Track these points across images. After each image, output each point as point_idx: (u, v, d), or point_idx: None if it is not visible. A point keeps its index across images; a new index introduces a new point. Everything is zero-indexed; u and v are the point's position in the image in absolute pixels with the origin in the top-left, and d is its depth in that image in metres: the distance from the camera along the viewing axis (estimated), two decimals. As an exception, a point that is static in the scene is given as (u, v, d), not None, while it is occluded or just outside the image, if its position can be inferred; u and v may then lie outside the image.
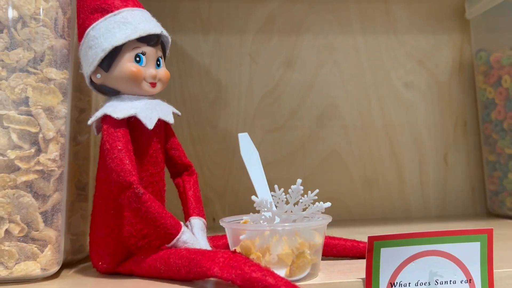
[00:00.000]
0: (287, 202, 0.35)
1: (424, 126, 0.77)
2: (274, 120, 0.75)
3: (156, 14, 0.42)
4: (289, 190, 0.35)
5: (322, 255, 0.43)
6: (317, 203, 0.36)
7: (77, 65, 0.42)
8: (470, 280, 0.36)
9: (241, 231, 0.36)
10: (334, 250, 0.43)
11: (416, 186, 0.76)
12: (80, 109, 0.46)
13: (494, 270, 0.37)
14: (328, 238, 0.43)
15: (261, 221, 0.36)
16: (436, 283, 0.36)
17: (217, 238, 0.44)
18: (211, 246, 0.41)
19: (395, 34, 0.77)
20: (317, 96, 0.75)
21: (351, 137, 0.75)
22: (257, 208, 0.35)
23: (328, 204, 0.36)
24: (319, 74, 0.76)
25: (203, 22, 0.74)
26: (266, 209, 0.35)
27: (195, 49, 0.74)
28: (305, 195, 0.36)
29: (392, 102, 0.77)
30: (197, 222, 0.42)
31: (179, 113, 0.43)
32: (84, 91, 0.46)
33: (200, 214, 0.42)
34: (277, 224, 0.35)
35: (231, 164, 0.73)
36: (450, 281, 0.36)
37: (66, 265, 0.44)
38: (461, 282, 0.36)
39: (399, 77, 0.77)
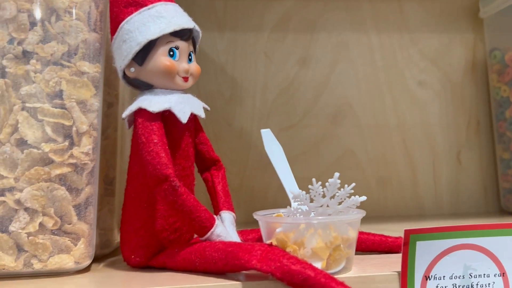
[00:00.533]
0: (323, 196, 0.36)
1: (437, 125, 0.77)
2: (288, 118, 0.75)
3: None
4: (326, 184, 0.35)
5: (359, 250, 0.43)
6: (352, 197, 0.36)
7: (108, 59, 0.42)
8: (503, 273, 0.37)
9: (276, 224, 0.36)
10: (362, 245, 0.43)
11: (429, 184, 0.76)
12: (108, 103, 0.46)
13: (525, 263, 0.37)
14: (364, 234, 0.43)
15: (297, 214, 0.36)
16: (470, 277, 0.36)
17: (246, 232, 0.44)
18: (241, 240, 0.41)
19: (408, 33, 0.78)
20: (331, 95, 0.76)
21: (365, 136, 0.76)
22: (294, 201, 0.36)
23: (364, 198, 0.36)
24: (333, 72, 0.76)
25: (218, 19, 0.74)
26: (302, 202, 0.35)
27: (210, 47, 0.74)
28: (342, 189, 0.36)
29: (405, 101, 0.77)
30: (227, 216, 0.42)
31: (209, 108, 0.44)
32: (112, 85, 0.46)
33: (230, 208, 0.43)
34: (313, 217, 0.36)
35: (246, 161, 0.73)
36: (484, 274, 0.37)
37: (94, 259, 0.44)
38: (494, 275, 0.37)
39: (413, 76, 0.78)
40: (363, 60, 0.77)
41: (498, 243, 0.37)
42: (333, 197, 0.36)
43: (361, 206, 0.74)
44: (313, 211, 0.36)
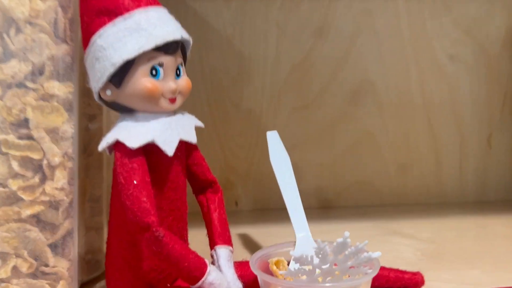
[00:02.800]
0: (330, 255, 0.31)
1: (468, 104, 0.70)
2: (302, 96, 0.68)
3: None
4: (334, 244, 0.30)
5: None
6: (365, 253, 0.31)
7: (82, 72, 0.36)
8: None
9: (275, 286, 0.31)
10: (376, 282, 0.38)
11: (455, 170, 0.70)
12: (89, 116, 0.40)
13: None
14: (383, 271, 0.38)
15: (300, 275, 0.31)
16: None
17: (246, 265, 0.39)
18: (238, 276, 0.37)
19: (442, -1, 0.68)
20: (351, 70, 0.68)
21: (386, 117, 0.69)
22: (295, 262, 0.31)
23: (379, 253, 0.31)
24: (354, 45, 0.68)
25: (225, -14, 0.66)
26: (306, 263, 0.30)
27: (216, 17, 0.66)
28: (352, 247, 0.31)
29: (434, 77, 0.69)
30: (223, 252, 0.37)
31: (203, 125, 0.38)
32: (93, 96, 0.40)
33: (227, 241, 0.38)
34: (318, 285, 0.31)
35: (255, 145, 0.68)
36: None
37: (83, 286, 0.41)
38: None
39: (443, 48, 0.69)
40: (388, 31, 0.68)
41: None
42: (342, 255, 0.31)
43: (379, 192, 0.69)
44: (317, 268, 0.31)
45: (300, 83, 0.68)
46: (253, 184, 0.68)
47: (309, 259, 0.30)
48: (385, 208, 0.68)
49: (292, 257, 0.30)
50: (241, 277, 0.37)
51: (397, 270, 0.39)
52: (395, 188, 0.70)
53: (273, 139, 0.47)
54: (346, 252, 0.30)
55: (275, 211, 0.68)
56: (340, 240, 0.30)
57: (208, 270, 0.34)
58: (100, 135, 0.41)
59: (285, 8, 0.67)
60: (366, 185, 0.69)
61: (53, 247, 0.35)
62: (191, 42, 0.36)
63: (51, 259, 0.34)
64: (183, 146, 0.37)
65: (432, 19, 0.68)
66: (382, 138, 0.69)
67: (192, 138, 0.36)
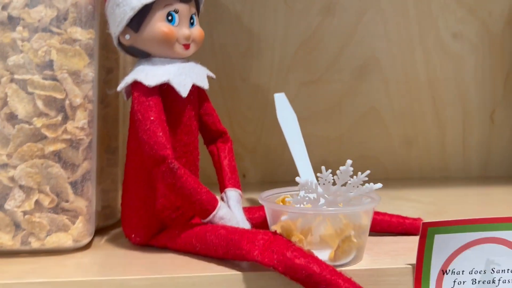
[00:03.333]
0: (334, 183, 0.32)
1: (472, 81, 0.71)
2: (310, 72, 0.70)
3: None
4: (338, 172, 0.32)
5: (374, 231, 0.40)
6: (366, 184, 0.33)
7: (103, 23, 0.39)
8: (530, 269, 0.34)
9: (282, 211, 0.33)
10: (377, 227, 0.40)
11: (458, 145, 0.72)
12: (107, 69, 0.43)
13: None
14: (379, 214, 0.40)
15: (305, 203, 0.33)
16: (493, 272, 0.34)
17: (253, 209, 0.41)
18: (247, 218, 0.39)
19: (446, -23, 0.70)
20: (357, 47, 0.70)
21: (392, 93, 0.71)
22: (300, 190, 0.33)
23: (379, 185, 0.33)
24: (360, 22, 0.70)
25: (235, -36, 0.68)
26: (310, 191, 0.32)
27: (226, -6, 0.68)
28: (354, 176, 0.32)
29: (438, 55, 0.71)
30: (233, 194, 0.39)
31: (214, 76, 0.40)
32: (111, 48, 0.43)
33: (236, 185, 0.40)
34: (322, 208, 0.33)
35: (263, 119, 0.70)
36: (508, 269, 0.34)
37: (97, 231, 0.43)
38: (520, 271, 0.34)
39: (448, 26, 0.71)
40: (394, 8, 0.70)
41: (526, 237, 0.33)
42: (344, 185, 0.33)
43: (383, 165, 0.71)
44: (322, 198, 0.33)
45: (307, 59, 0.70)
46: (261, 157, 0.70)
47: (314, 186, 0.32)
48: (390, 181, 0.69)
49: (298, 184, 0.32)
50: (249, 219, 0.39)
51: (398, 216, 0.41)
52: (400, 162, 0.71)
53: (281, 100, 0.49)
54: (349, 181, 0.32)
55: (282, 184, 0.68)
56: (343, 167, 0.32)
57: (219, 205, 0.36)
58: (116, 87, 0.43)
59: (294, -14, 0.69)
60: (372, 159, 0.71)
61: (73, 185, 0.37)
62: (204, -5, 0.38)
63: (71, 195, 0.37)
64: (196, 93, 0.39)
65: (437, -3, 0.70)
66: (387, 113, 0.71)
67: (204, 84, 0.38)
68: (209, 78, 0.39)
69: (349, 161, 0.32)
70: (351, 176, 0.32)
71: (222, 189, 0.40)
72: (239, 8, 0.69)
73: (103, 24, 0.39)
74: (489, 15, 0.71)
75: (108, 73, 0.43)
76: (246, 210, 0.40)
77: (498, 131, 0.72)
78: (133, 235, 0.38)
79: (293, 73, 0.70)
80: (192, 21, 0.37)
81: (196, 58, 0.39)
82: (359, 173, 0.32)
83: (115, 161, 0.45)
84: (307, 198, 0.33)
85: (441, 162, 0.72)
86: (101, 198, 0.43)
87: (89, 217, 0.38)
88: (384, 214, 0.41)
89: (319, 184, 0.32)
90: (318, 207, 0.33)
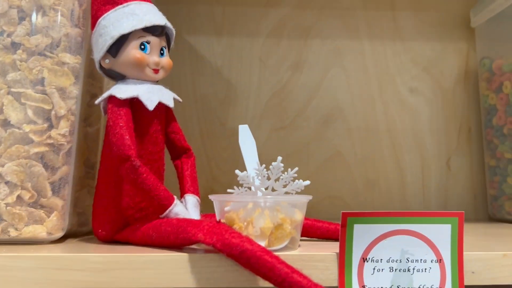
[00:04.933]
0: (268, 178, 0.38)
1: (428, 132, 0.79)
2: (280, 119, 0.78)
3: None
4: (270, 167, 0.38)
5: (307, 236, 0.46)
6: (296, 180, 0.39)
7: (90, 53, 0.47)
8: (440, 260, 0.39)
9: (226, 203, 0.39)
10: (318, 232, 0.45)
11: (418, 189, 0.77)
12: (92, 94, 0.50)
13: (464, 252, 0.39)
14: (313, 220, 0.46)
15: (245, 195, 0.39)
16: (407, 261, 0.38)
17: (210, 215, 0.47)
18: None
19: (401, 40, 0.80)
20: (323, 98, 0.78)
21: (354, 139, 0.78)
22: (240, 182, 0.39)
23: (307, 182, 0.39)
24: (325, 77, 0.79)
25: (216, 25, 0.78)
26: (248, 183, 0.38)
27: (208, 50, 0.78)
28: (286, 172, 0.39)
29: (396, 107, 0.79)
30: (191, 199, 0.45)
31: (180, 100, 0.47)
32: (96, 77, 0.51)
33: (195, 192, 0.46)
34: (259, 196, 0.38)
35: (238, 160, 0.76)
36: (421, 259, 0.38)
37: (72, 235, 0.48)
38: (431, 261, 0.38)
39: (404, 82, 0.79)
40: (355, 66, 0.79)
41: (435, 231, 0.38)
42: (277, 179, 0.39)
43: (348, 206, 0.76)
44: (259, 192, 0.39)
45: (278, 108, 0.78)
46: (235, 195, 0.76)
47: (251, 179, 0.38)
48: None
49: (238, 176, 0.38)
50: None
51: (337, 223, 0.46)
52: (363, 202, 0.77)
53: (244, 129, 0.56)
54: (282, 176, 0.38)
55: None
56: (274, 163, 0.38)
57: (175, 202, 0.42)
58: (98, 110, 0.50)
59: (267, 44, 0.79)
60: (337, 199, 0.77)
61: (52, 185, 0.43)
62: (174, 33, 0.47)
63: (49, 192, 0.42)
64: (163, 111, 0.46)
65: (394, 57, 0.80)
66: (351, 157, 0.78)
67: (170, 103, 0.45)
68: (175, 100, 0.46)
69: (279, 158, 0.38)
70: (283, 172, 0.38)
71: (182, 195, 0.46)
72: (219, 63, 0.78)
73: (90, 55, 0.47)
74: (441, 73, 0.80)
75: (92, 98, 0.50)
76: (204, 216, 0.46)
77: (455, 177, 0.78)
78: (100, 230, 0.43)
79: (266, 120, 0.78)
80: (162, 52, 0.45)
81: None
82: (289, 169, 0.38)
83: (93, 175, 0.51)
84: (246, 190, 0.38)
85: (402, 204, 0.77)
86: (77, 205, 0.49)
87: (64, 214, 0.43)
88: (324, 221, 0.46)
89: (256, 176, 0.38)
90: (256, 197, 0.38)
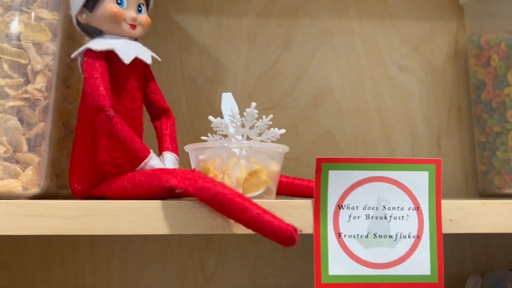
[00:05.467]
0: (243, 126, 0.38)
1: (418, 110, 0.78)
2: (269, 98, 0.77)
3: None
4: (244, 113, 0.38)
5: (286, 194, 0.45)
6: (272, 129, 0.38)
7: (68, 17, 0.46)
8: (418, 207, 0.38)
9: (202, 151, 0.39)
10: (297, 189, 0.45)
11: (408, 167, 0.77)
12: (70, 55, 0.50)
13: (442, 200, 0.38)
14: (292, 178, 0.45)
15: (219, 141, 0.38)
16: (384, 208, 0.38)
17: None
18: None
19: (390, 20, 0.79)
20: (312, 78, 0.78)
21: (344, 119, 0.77)
22: (214, 129, 0.38)
23: (283, 130, 0.39)
24: (314, 56, 0.78)
25: (205, 4, 0.78)
26: (223, 130, 0.38)
27: (196, 30, 0.78)
28: (260, 120, 0.38)
29: (386, 86, 0.78)
30: (169, 156, 0.45)
31: (159, 59, 0.47)
32: (77, 40, 0.50)
33: (174, 150, 0.45)
34: (233, 142, 0.38)
35: (225, 138, 0.76)
36: (398, 207, 0.38)
37: (51, 197, 0.47)
38: (408, 209, 0.38)
39: (394, 61, 0.79)
40: (344, 45, 0.79)
41: (412, 178, 0.38)
42: (252, 127, 0.38)
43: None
44: (233, 138, 0.38)
45: (267, 87, 0.78)
46: (223, 174, 0.75)
47: (225, 126, 0.38)
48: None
49: (212, 123, 0.38)
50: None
51: (306, 180, 0.46)
52: (353, 181, 0.76)
53: (227, 97, 0.55)
54: (256, 124, 0.38)
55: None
56: (248, 109, 0.37)
57: (151, 155, 0.41)
58: (78, 72, 0.50)
59: (256, 24, 0.78)
60: (326, 178, 0.76)
61: (28, 140, 0.43)
62: (153, -8, 0.47)
63: (25, 148, 0.42)
64: (141, 69, 0.46)
65: (383, 36, 0.79)
66: (341, 137, 0.77)
67: (147, 59, 0.45)
68: (154, 59, 0.46)
69: (253, 104, 0.37)
70: (257, 119, 0.38)
71: (160, 153, 0.45)
72: (207, 42, 0.78)
73: (70, 16, 0.47)
74: (431, 52, 0.79)
75: (72, 60, 0.50)
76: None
77: (445, 156, 0.77)
78: (76, 185, 0.43)
79: (254, 99, 0.77)
80: (139, 8, 0.45)
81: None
82: (264, 116, 0.38)
83: (72, 138, 0.50)
84: (220, 138, 0.38)
85: (392, 183, 0.76)
86: (56, 166, 0.48)
87: (40, 170, 0.43)
88: (303, 179, 0.46)
89: (229, 123, 0.38)
90: (231, 143, 0.38)
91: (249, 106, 0.76)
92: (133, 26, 0.44)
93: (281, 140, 0.76)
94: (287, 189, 0.45)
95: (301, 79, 0.78)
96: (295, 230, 0.33)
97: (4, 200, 0.37)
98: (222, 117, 0.74)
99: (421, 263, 0.37)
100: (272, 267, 0.74)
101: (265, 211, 0.33)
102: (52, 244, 0.70)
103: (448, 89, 0.79)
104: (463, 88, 0.79)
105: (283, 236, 0.33)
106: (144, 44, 0.47)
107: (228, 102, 0.55)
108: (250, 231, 0.34)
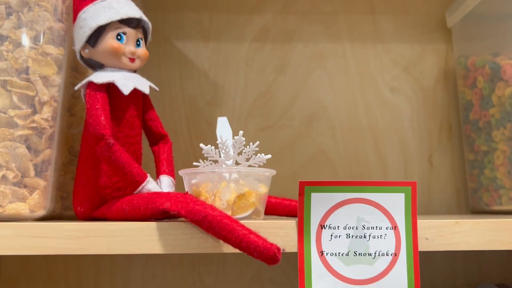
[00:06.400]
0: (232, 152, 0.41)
1: (409, 129, 0.81)
2: (266, 119, 0.81)
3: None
4: (232, 141, 0.41)
5: (275, 214, 0.48)
6: (259, 154, 0.42)
7: (73, 45, 0.50)
8: (395, 227, 0.41)
9: (193, 176, 0.42)
10: (285, 209, 0.48)
11: (401, 185, 0.79)
12: (74, 86, 0.54)
13: (418, 220, 0.41)
14: (281, 199, 0.48)
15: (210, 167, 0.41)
16: (363, 228, 0.41)
17: (184, 196, 0.49)
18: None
19: (381, 43, 0.83)
20: (306, 99, 0.81)
21: (338, 137, 0.80)
22: (205, 155, 0.41)
23: (269, 156, 0.42)
24: (309, 79, 0.82)
25: (204, 30, 0.82)
26: (213, 157, 0.41)
27: (196, 55, 0.82)
28: (248, 146, 0.41)
29: (378, 106, 0.82)
30: (165, 179, 0.48)
31: (157, 89, 0.50)
32: (80, 71, 0.54)
33: (170, 173, 0.49)
34: (223, 167, 0.41)
35: (224, 158, 0.79)
36: (376, 227, 0.41)
37: (57, 218, 0.51)
38: (386, 228, 0.41)
39: (385, 82, 0.82)
40: (337, 68, 0.82)
41: (389, 199, 0.41)
42: (240, 153, 0.41)
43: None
44: (224, 165, 0.42)
45: (264, 108, 0.81)
46: (222, 193, 0.78)
47: (215, 152, 0.41)
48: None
49: (202, 150, 0.41)
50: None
51: (291, 200, 0.49)
52: (347, 198, 0.78)
53: (222, 121, 0.59)
54: (244, 150, 0.41)
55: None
56: (236, 137, 0.41)
57: (148, 179, 0.44)
58: (81, 100, 0.54)
59: (252, 49, 0.82)
60: (322, 196, 0.78)
61: (35, 166, 0.46)
62: (151, 26, 0.50)
63: (32, 173, 0.46)
64: (140, 98, 0.49)
65: (375, 59, 0.83)
66: (335, 155, 0.80)
67: (145, 89, 0.48)
68: (152, 89, 0.50)
69: (241, 132, 0.41)
70: (245, 146, 0.41)
71: (157, 177, 0.49)
72: (206, 66, 0.82)
73: (73, 51, 0.50)
74: (421, 73, 0.83)
75: (76, 90, 0.54)
76: (178, 196, 0.48)
77: (437, 174, 0.80)
78: (79, 207, 0.46)
79: (251, 120, 0.81)
80: (138, 43, 0.49)
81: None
82: (251, 143, 0.41)
83: (76, 162, 0.54)
84: (211, 163, 0.41)
85: (385, 200, 0.79)
86: (61, 189, 0.51)
87: (46, 194, 0.46)
88: (291, 200, 0.48)
89: (219, 149, 0.41)
90: (221, 169, 0.41)
91: (246, 127, 0.80)
92: (132, 60, 0.48)
93: (277, 159, 0.80)
94: (276, 209, 0.48)
95: (296, 101, 0.81)
96: (278, 249, 0.36)
97: (12, 223, 0.40)
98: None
99: (399, 280, 0.40)
100: (269, 283, 0.77)
101: (250, 232, 0.36)
102: (57, 263, 0.73)
103: (438, 109, 0.82)
104: (453, 108, 0.82)
105: (267, 254, 0.35)
106: (147, 69, 0.50)
107: (223, 126, 0.58)
108: (237, 250, 0.37)
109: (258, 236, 0.36)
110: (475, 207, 0.74)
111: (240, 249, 0.36)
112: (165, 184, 0.47)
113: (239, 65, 0.82)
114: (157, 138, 0.51)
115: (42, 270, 0.73)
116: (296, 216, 0.48)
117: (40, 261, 0.73)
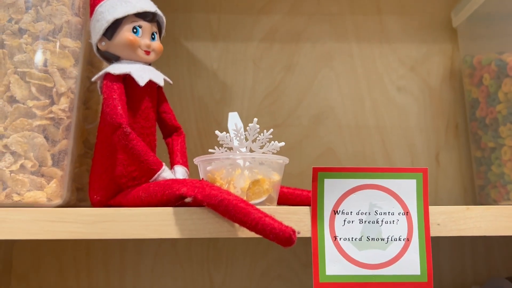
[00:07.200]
0: (246, 139, 0.42)
1: (416, 128, 0.82)
2: (274, 118, 0.82)
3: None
4: (247, 128, 0.42)
5: (287, 204, 0.49)
6: (272, 141, 0.42)
7: (89, 39, 0.51)
8: (407, 212, 0.41)
9: (209, 163, 0.43)
10: (297, 199, 0.49)
11: (408, 182, 0.80)
12: (90, 79, 0.55)
13: (429, 206, 0.41)
14: (293, 189, 0.49)
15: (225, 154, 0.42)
16: (376, 214, 0.41)
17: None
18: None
19: (388, 43, 0.84)
20: (314, 98, 0.82)
21: (345, 136, 0.81)
22: (220, 142, 0.42)
23: (282, 143, 0.43)
24: (316, 78, 0.83)
25: (213, 31, 0.84)
26: (228, 144, 0.42)
27: (205, 55, 0.83)
28: (262, 133, 0.42)
29: (385, 105, 0.82)
30: (179, 169, 0.49)
31: (171, 82, 0.51)
32: (96, 65, 0.55)
33: (184, 164, 0.50)
34: (238, 154, 0.42)
35: (233, 156, 0.80)
36: (389, 212, 0.41)
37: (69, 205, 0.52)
38: (398, 214, 0.41)
39: (392, 81, 0.83)
40: (344, 67, 0.83)
41: (401, 185, 0.41)
42: (254, 140, 0.42)
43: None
44: (237, 151, 0.42)
45: (272, 107, 0.82)
46: (231, 190, 0.79)
47: (230, 139, 0.42)
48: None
49: (218, 137, 0.42)
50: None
51: (306, 190, 0.49)
52: (355, 196, 0.79)
53: (233, 116, 0.60)
54: (258, 137, 0.42)
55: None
56: (251, 124, 0.41)
57: (163, 168, 0.45)
58: (97, 95, 0.55)
59: (261, 48, 0.83)
60: (329, 193, 0.79)
61: (52, 156, 0.47)
62: (165, 21, 0.52)
63: (49, 162, 0.47)
64: (155, 91, 0.50)
65: (381, 58, 0.84)
66: (342, 154, 0.81)
67: (160, 82, 0.49)
68: (166, 82, 0.51)
69: (255, 119, 0.42)
70: (259, 133, 0.42)
71: (172, 167, 0.49)
72: (215, 66, 0.83)
73: (90, 43, 0.52)
74: (427, 73, 0.83)
75: (91, 84, 0.55)
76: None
77: (444, 172, 0.81)
78: (95, 196, 0.47)
79: (260, 118, 0.81)
80: (153, 36, 0.50)
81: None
82: (265, 130, 0.42)
83: (91, 155, 0.55)
84: (226, 150, 0.42)
85: (393, 197, 0.79)
86: (76, 180, 0.52)
87: (63, 183, 0.47)
88: (304, 190, 0.49)
89: (234, 136, 0.42)
90: (236, 155, 0.42)
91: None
92: (147, 52, 0.49)
93: (285, 156, 0.80)
94: (288, 198, 0.49)
95: (303, 100, 0.82)
96: (294, 231, 0.36)
97: (30, 208, 0.41)
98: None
99: (411, 264, 0.40)
100: (278, 280, 0.77)
101: (266, 215, 0.37)
102: (67, 259, 0.74)
103: (445, 108, 0.83)
104: (459, 106, 0.83)
105: (283, 236, 0.36)
106: (157, 68, 0.52)
107: (234, 120, 0.59)
108: (253, 234, 0.38)
109: (273, 219, 0.37)
110: (482, 204, 0.74)
111: (256, 231, 0.37)
112: (179, 173, 0.48)
113: (248, 65, 0.83)
114: (170, 130, 0.52)
115: (52, 266, 0.74)
116: (309, 206, 0.49)
117: (51, 257, 0.74)
